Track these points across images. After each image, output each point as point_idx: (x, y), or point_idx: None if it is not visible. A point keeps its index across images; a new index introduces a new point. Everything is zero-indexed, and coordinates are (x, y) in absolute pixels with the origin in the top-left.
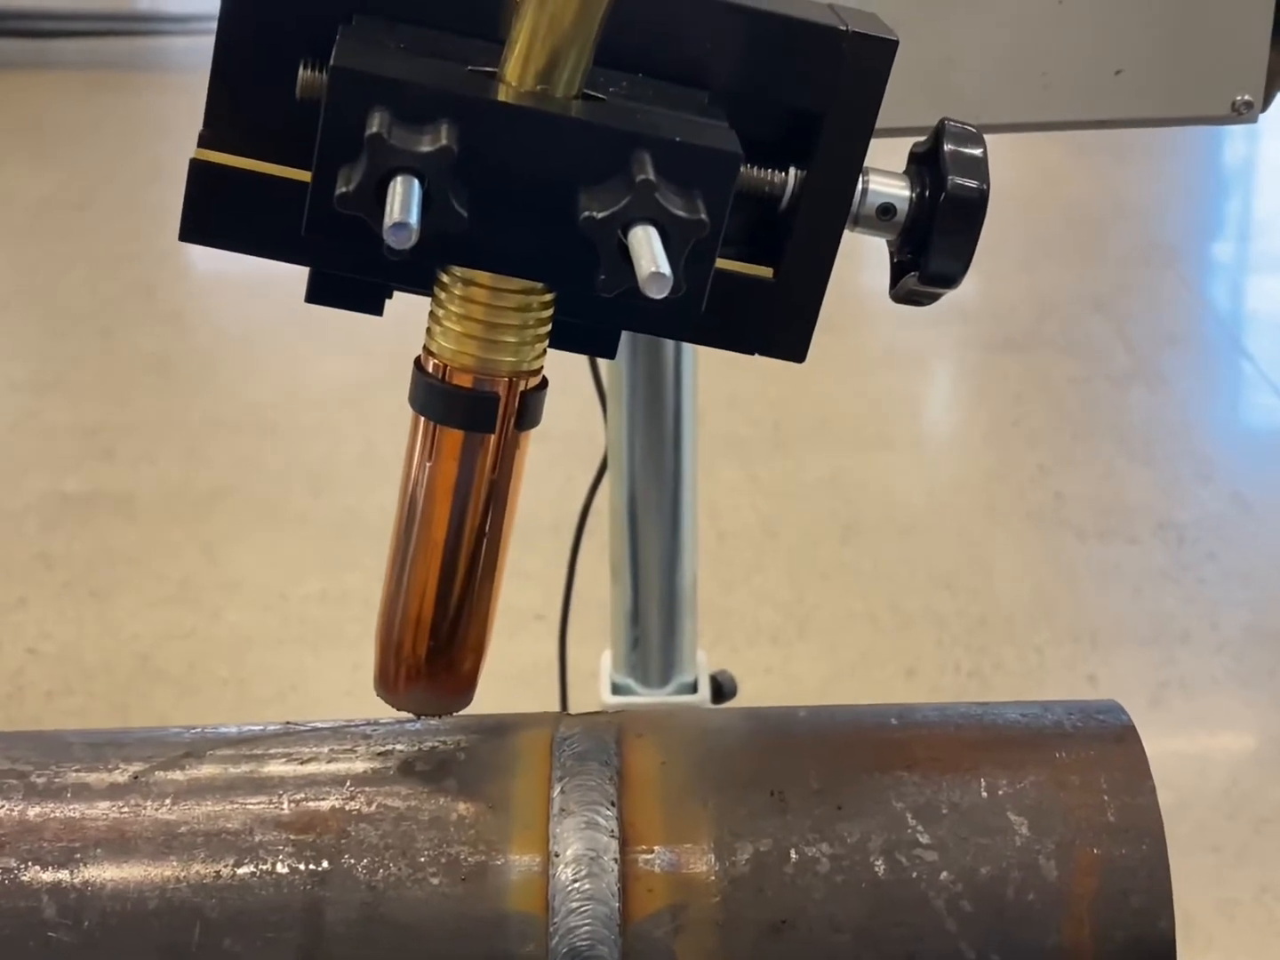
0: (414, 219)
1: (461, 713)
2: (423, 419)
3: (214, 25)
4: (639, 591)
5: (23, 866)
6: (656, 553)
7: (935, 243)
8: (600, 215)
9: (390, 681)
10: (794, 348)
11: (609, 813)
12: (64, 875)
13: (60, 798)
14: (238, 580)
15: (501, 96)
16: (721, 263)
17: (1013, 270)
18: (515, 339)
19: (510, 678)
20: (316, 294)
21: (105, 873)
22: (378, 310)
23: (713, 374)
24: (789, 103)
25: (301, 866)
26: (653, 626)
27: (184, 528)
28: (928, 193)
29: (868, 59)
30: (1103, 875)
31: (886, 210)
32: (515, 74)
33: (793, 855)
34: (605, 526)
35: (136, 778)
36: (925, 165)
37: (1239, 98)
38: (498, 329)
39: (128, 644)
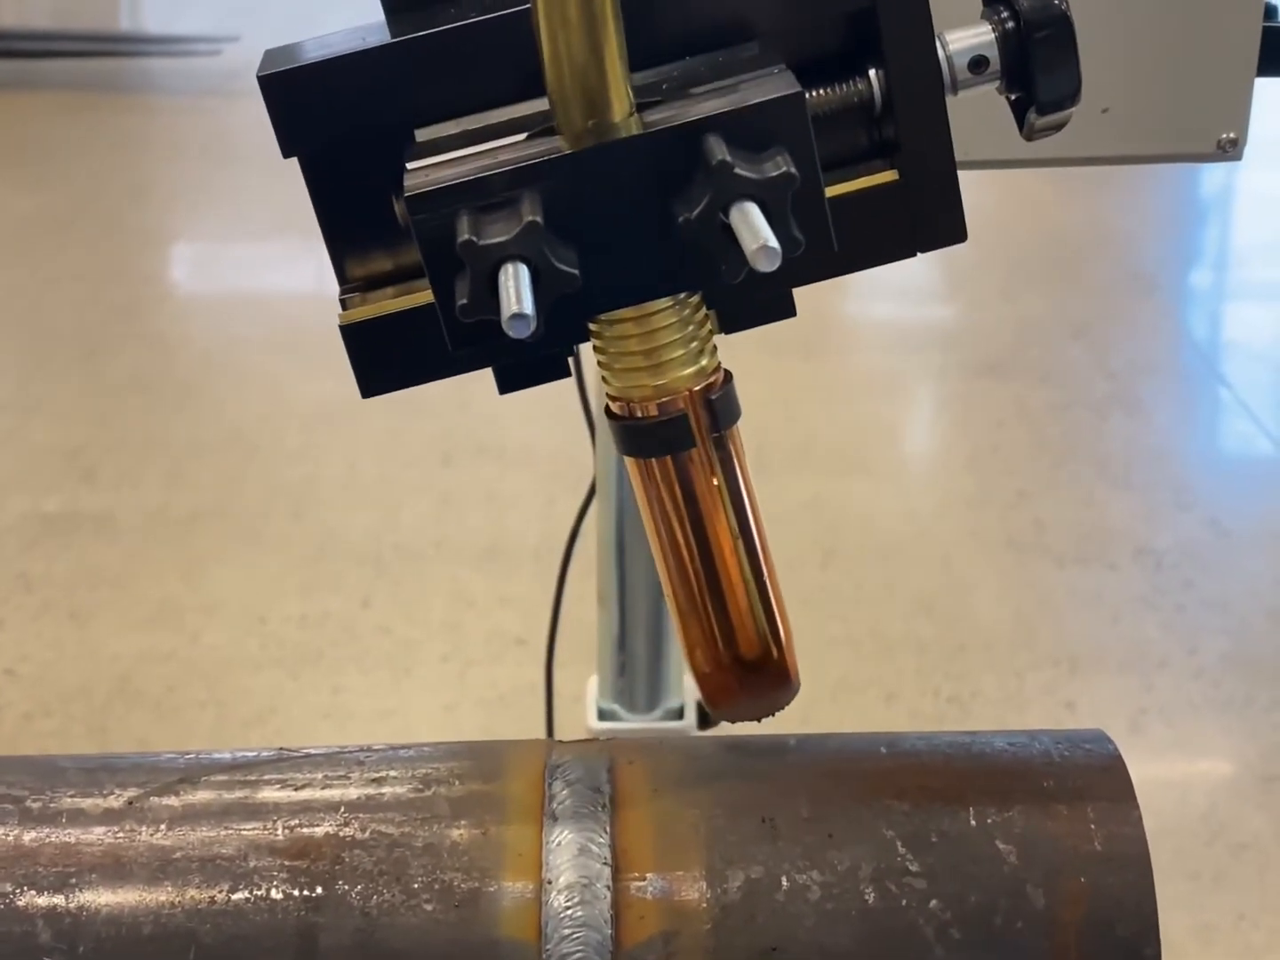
0: (528, 307)
1: (454, 740)
2: (635, 461)
3: (198, 48)
4: (626, 617)
5: (18, 891)
6: (644, 579)
7: (1040, 73)
8: (694, 215)
9: (724, 701)
10: (952, 231)
11: (601, 840)
12: (59, 900)
13: (55, 822)
14: (218, 602)
15: (564, 148)
16: (846, 186)
17: (994, 298)
18: (681, 352)
19: (492, 702)
20: (506, 385)
21: (100, 898)
22: (566, 373)
23: None
24: (838, 12)
25: (296, 892)
26: (640, 652)
27: (164, 549)
28: (1010, 28)
29: None
30: (1090, 904)
31: (979, 63)
32: (565, 120)
33: (784, 882)
34: (589, 552)
35: (131, 803)
36: (999, 3)
37: (1224, 136)
38: (659, 352)
39: (107, 666)
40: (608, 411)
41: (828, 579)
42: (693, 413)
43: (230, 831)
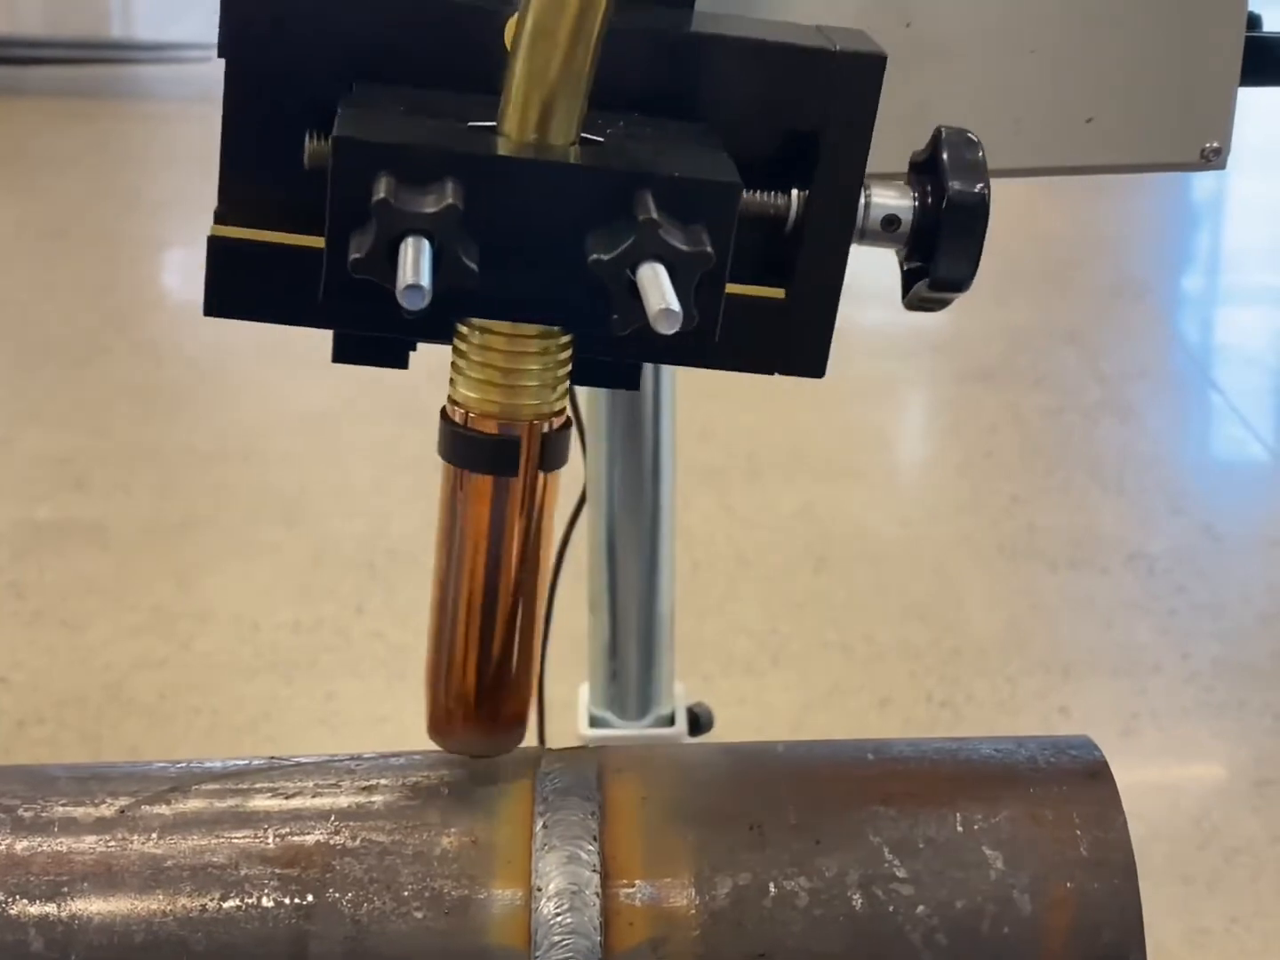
0: (426, 280)
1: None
2: (450, 467)
3: (190, 54)
4: (617, 624)
5: (10, 900)
6: (635, 586)
7: (942, 248)
8: (607, 257)
9: (443, 726)
10: (812, 364)
11: (591, 847)
12: (51, 909)
13: (47, 831)
14: (210, 610)
15: (501, 150)
16: (734, 288)
17: (986, 303)
18: (536, 382)
19: None
20: (342, 354)
21: (92, 906)
22: (403, 364)
23: (687, 405)
24: (785, 126)
25: (286, 900)
26: (631, 659)
27: (157, 557)
28: (930, 200)
29: (858, 76)
30: (1076, 909)
31: (891, 221)
32: (513, 126)
33: (771, 889)
34: (580, 558)
35: (123, 812)
36: (925, 173)
37: (1207, 145)
38: (517, 374)
39: (99, 673)
40: (443, 412)
41: (820, 584)
42: (526, 443)
43: (221, 840)
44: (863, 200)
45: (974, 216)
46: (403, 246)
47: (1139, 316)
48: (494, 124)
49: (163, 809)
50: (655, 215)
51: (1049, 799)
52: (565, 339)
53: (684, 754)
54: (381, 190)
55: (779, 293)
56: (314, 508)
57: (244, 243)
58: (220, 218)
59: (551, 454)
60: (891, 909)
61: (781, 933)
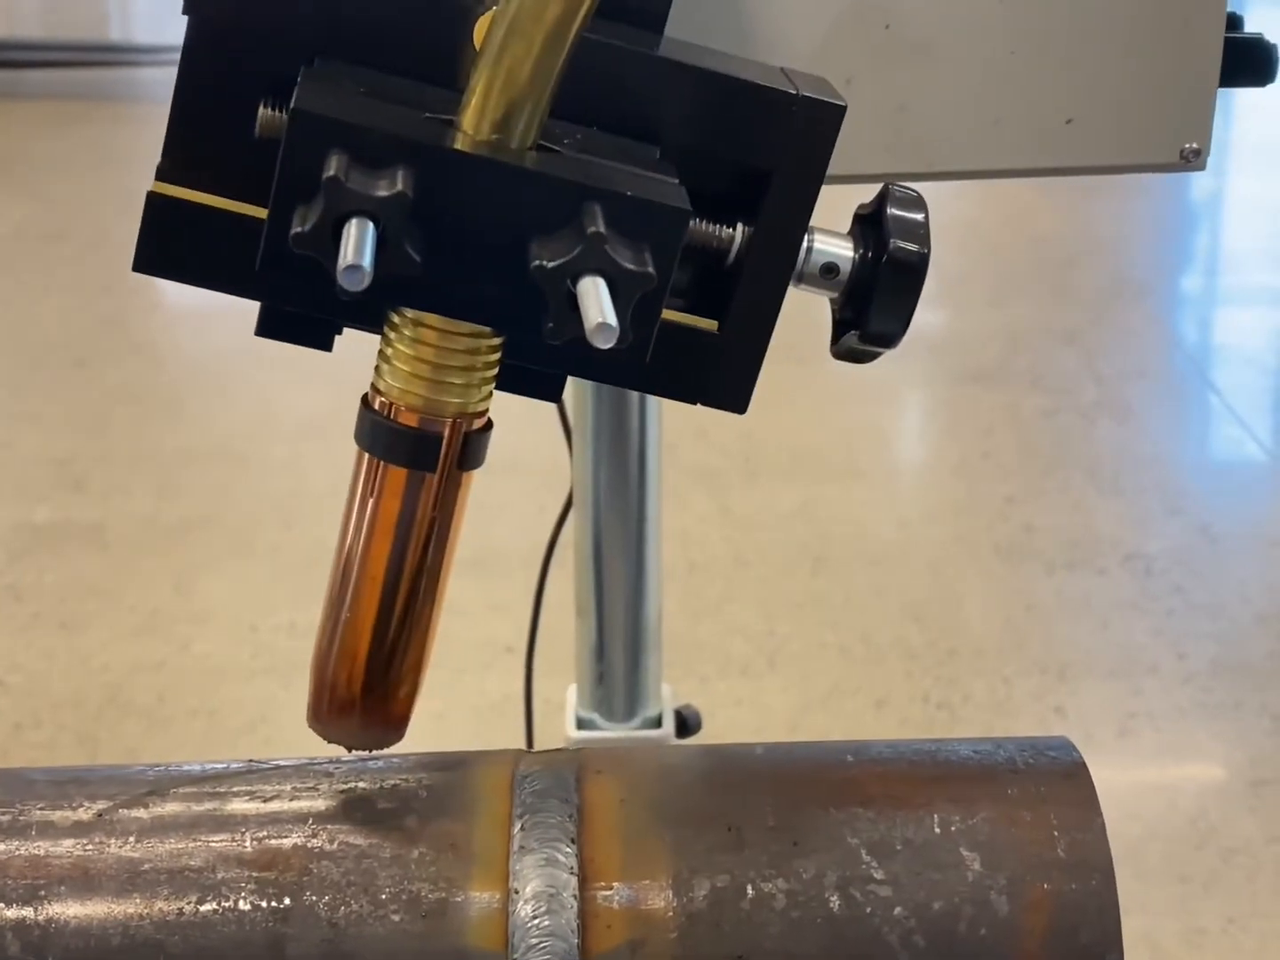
0: (367, 262)
1: (424, 750)
2: (367, 455)
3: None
4: (604, 627)
5: None
6: (621, 588)
7: (876, 304)
8: (550, 265)
9: (322, 714)
10: (735, 399)
11: (568, 850)
12: (28, 912)
13: (25, 835)
14: (208, 612)
15: (458, 145)
16: (668, 314)
17: (983, 304)
18: (462, 380)
19: (483, 709)
20: (267, 328)
21: (69, 910)
22: (327, 346)
23: (684, 406)
24: (738, 161)
25: (263, 904)
26: (618, 661)
27: (154, 559)
28: (870, 254)
29: (817, 122)
30: (1052, 910)
31: (830, 270)
32: (472, 123)
33: (749, 891)
34: (567, 560)
35: (100, 815)
36: (869, 227)
37: (1187, 146)
38: (445, 370)
39: (97, 675)
40: (365, 400)
41: (817, 586)
42: (447, 440)
43: (199, 843)
44: (805, 245)
45: (911, 277)
46: (347, 227)
47: (1136, 317)
48: (453, 118)
49: (140, 813)
50: (603, 230)
51: (1027, 800)
52: (496, 341)
53: (663, 756)
54: (333, 168)
55: (712, 325)
56: (311, 510)
57: (184, 203)
58: (162, 173)
59: (470, 453)
60: (869, 910)
61: (759, 935)
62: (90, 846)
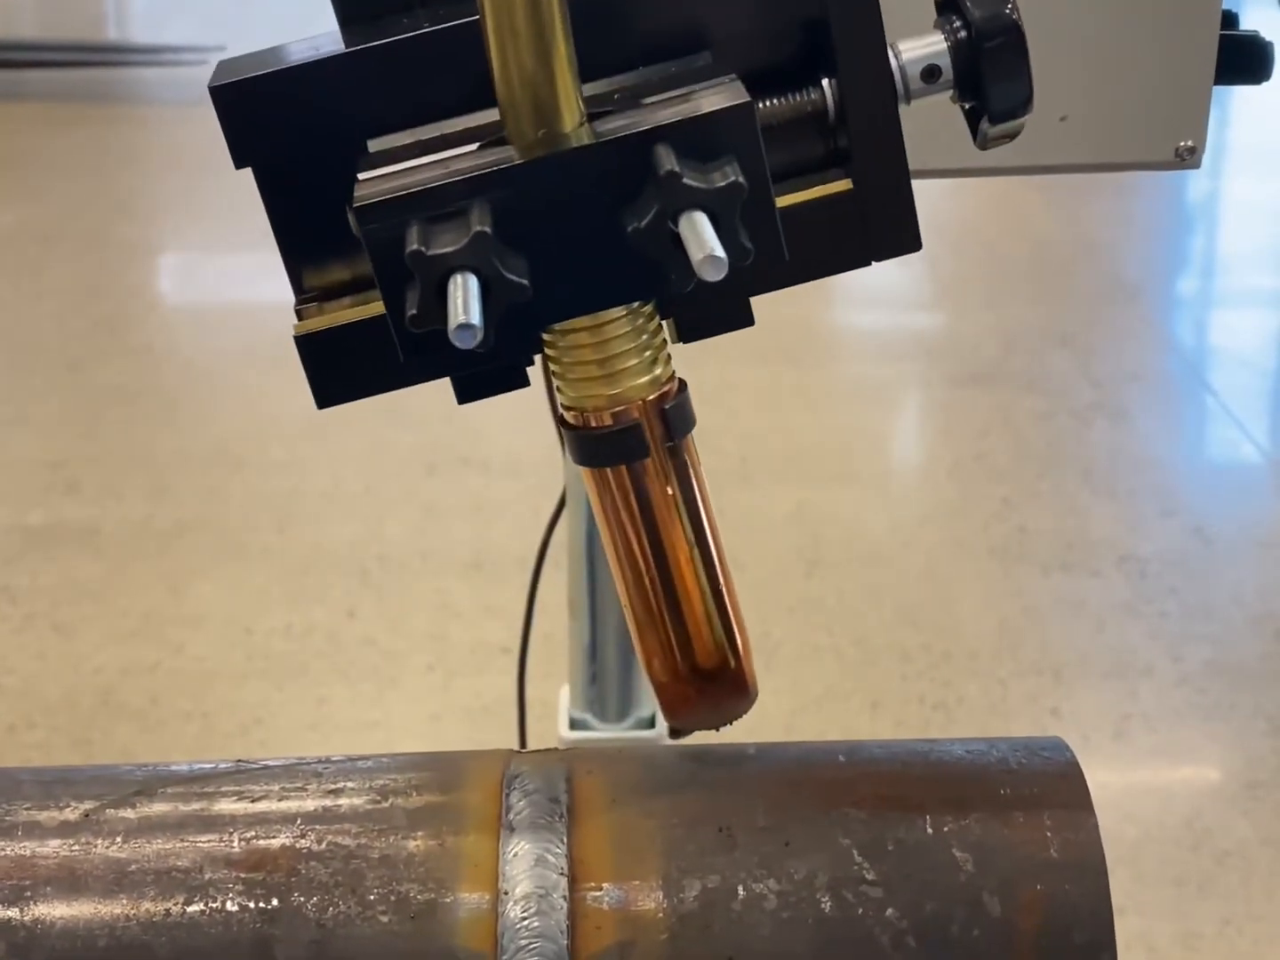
0: (475, 317)
1: (414, 751)
2: (591, 470)
3: (185, 57)
4: (597, 628)
5: None
6: (614, 589)
7: (990, 83)
8: (643, 224)
9: (684, 709)
10: (905, 239)
11: (558, 850)
12: (14, 913)
13: (10, 835)
14: (202, 614)
15: (513, 157)
16: (798, 196)
17: (978, 307)
18: (634, 361)
19: (477, 712)
20: (464, 395)
21: (55, 911)
22: (524, 383)
23: None
24: (790, 22)
25: (251, 904)
26: (610, 662)
27: (148, 562)
28: (962, 38)
29: None
30: (1046, 911)
31: (931, 72)
32: (515, 130)
33: (740, 892)
34: (560, 561)
35: (87, 816)
36: (951, 13)
37: (1182, 144)
38: (611, 361)
39: (91, 678)
40: (562, 421)
41: (812, 588)
42: (647, 422)
43: (186, 844)
44: (895, 62)
45: (1012, 41)
46: (450, 287)
47: (1132, 319)
48: (503, 134)
49: (128, 813)
50: (675, 166)
51: (1020, 801)
52: (647, 309)
53: (653, 756)
54: (413, 241)
55: (846, 184)
56: (305, 513)
57: (328, 331)
58: (301, 315)
59: (675, 422)
60: (861, 911)
61: (750, 936)
62: (77, 847)
